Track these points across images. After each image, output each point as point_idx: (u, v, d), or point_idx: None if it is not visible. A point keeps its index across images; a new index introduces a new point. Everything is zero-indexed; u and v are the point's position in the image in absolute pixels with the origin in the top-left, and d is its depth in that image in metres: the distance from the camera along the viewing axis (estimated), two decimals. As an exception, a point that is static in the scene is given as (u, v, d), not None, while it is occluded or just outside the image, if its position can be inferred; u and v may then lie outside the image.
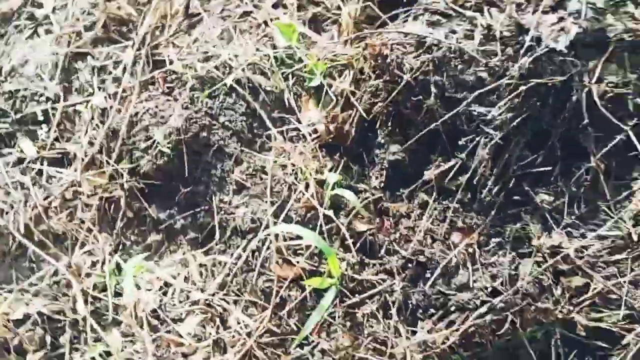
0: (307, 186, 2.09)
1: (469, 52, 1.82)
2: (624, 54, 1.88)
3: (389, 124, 2.01)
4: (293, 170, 2.13)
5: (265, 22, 2.39)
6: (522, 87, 1.77)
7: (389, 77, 1.94)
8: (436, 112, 1.87)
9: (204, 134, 2.20)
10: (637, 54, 1.89)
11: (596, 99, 1.81)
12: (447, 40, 1.85)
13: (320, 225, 2.01)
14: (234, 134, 2.22)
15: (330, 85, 2.20)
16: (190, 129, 2.19)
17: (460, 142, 1.86)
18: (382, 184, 2.03)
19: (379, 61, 1.94)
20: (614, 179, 1.88)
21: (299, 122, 2.23)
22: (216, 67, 2.27)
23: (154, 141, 2.20)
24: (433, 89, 1.85)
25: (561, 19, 1.81)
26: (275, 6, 2.41)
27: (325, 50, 2.25)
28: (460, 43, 1.85)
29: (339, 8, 2.36)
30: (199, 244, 2.19)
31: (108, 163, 2.24)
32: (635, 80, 1.86)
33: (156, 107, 2.25)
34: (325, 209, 2.04)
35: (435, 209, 1.92)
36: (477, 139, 1.84)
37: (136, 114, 2.26)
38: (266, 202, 2.11)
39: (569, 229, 1.83)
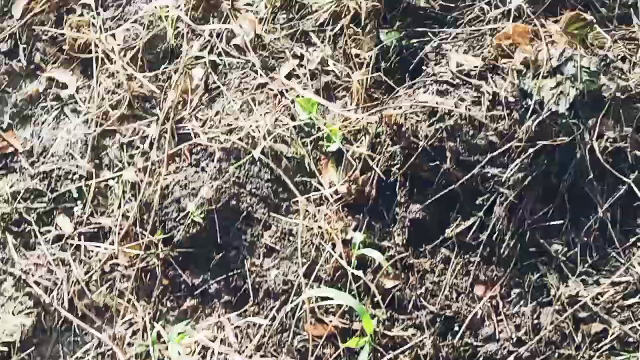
0: (334, 246, 2.23)
1: (478, 118, 1.98)
2: (619, 110, 2.04)
3: (407, 184, 2.15)
4: (319, 231, 2.26)
5: (281, 92, 2.55)
6: (530, 150, 1.92)
7: (405, 143, 2.09)
8: (452, 175, 2.01)
9: (233, 202, 2.34)
10: (630, 109, 2.06)
11: (598, 154, 1.97)
12: (457, 108, 2.01)
13: (349, 284, 2.14)
14: (261, 200, 2.36)
15: (347, 150, 2.35)
16: (220, 198, 2.33)
17: (477, 202, 2.00)
18: (405, 241, 2.16)
19: (395, 129, 2.09)
20: (621, 227, 2.03)
21: (321, 184, 2.37)
22: (240, 139, 2.42)
23: (186, 211, 2.33)
24: (448, 154, 2.01)
25: (559, 83, 1.98)
26: (288, 77, 2.57)
27: (340, 117, 2.40)
28: (469, 110, 2.01)
29: (348, 76, 2.52)
30: (233, 306, 2.31)
31: (143, 235, 2.36)
32: (631, 133, 2.02)
33: (185, 178, 2.40)
34: (353, 268, 2.17)
35: (457, 263, 2.07)
36: (493, 198, 1.98)
37: (167, 186, 2.40)
38: (296, 263, 2.25)
39: (583, 276, 1.97)
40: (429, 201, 2.07)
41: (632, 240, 1.99)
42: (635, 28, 2.29)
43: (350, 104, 2.48)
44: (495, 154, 1.94)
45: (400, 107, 2.10)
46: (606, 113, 2.02)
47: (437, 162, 2.04)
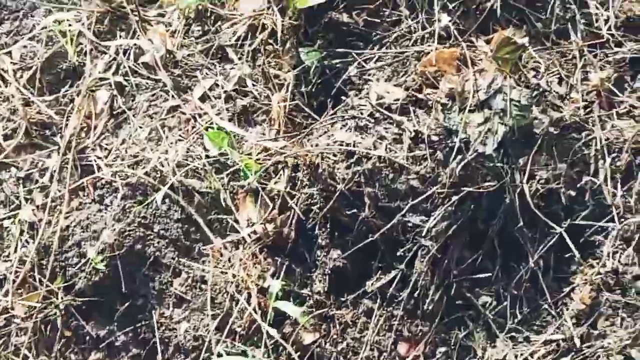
0: (249, 297, 2.03)
1: (398, 161, 1.77)
2: (552, 146, 1.85)
3: (328, 227, 1.95)
4: (234, 278, 2.06)
5: (194, 117, 2.30)
6: (454, 197, 1.73)
7: (322, 185, 1.88)
8: (372, 223, 1.81)
9: (139, 246, 2.12)
10: (565, 142, 1.87)
11: (529, 199, 1.78)
12: (376, 149, 1.80)
13: (265, 339, 1.95)
14: (170, 242, 2.14)
15: (264, 187, 2.13)
16: (124, 242, 2.11)
17: (398, 253, 1.81)
18: (326, 289, 1.97)
19: (312, 169, 1.88)
20: (554, 273, 1.86)
21: (237, 222, 2.15)
22: (147, 173, 2.18)
23: (88, 257, 2.10)
24: (366, 200, 1.80)
25: (487, 119, 1.78)
26: (202, 99, 2.33)
27: (257, 147, 2.17)
28: (389, 151, 1.80)
29: (268, 98, 2.28)
30: None
31: (41, 282, 2.13)
32: (566, 170, 1.83)
33: (87, 218, 2.16)
34: (270, 320, 1.98)
35: (380, 316, 1.88)
36: (415, 249, 1.78)
37: (67, 227, 2.16)
38: (208, 315, 2.04)
39: (513, 333, 1.80)
40: (349, 251, 1.84)
41: (565, 290, 1.81)
42: (572, 45, 2.08)
43: (270, 131, 2.24)
44: (416, 201, 1.73)
45: (317, 145, 1.87)
46: (538, 150, 1.82)
47: (356, 209, 1.81)
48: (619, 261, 1.81)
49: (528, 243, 1.81)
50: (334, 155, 1.85)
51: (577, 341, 1.69)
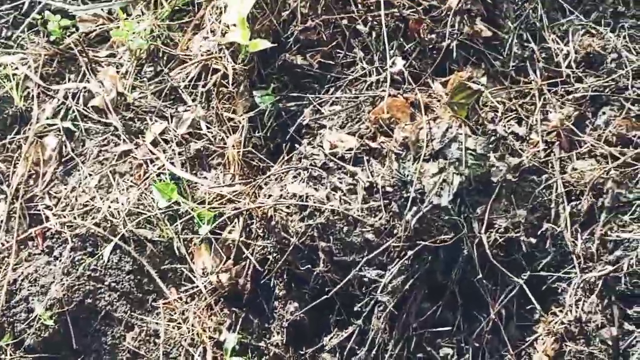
0: (204, 351, 1.95)
1: (352, 214, 1.70)
2: (511, 193, 1.80)
3: (285, 277, 1.88)
4: (189, 332, 1.98)
5: (147, 162, 2.22)
6: (410, 252, 1.67)
7: (276, 238, 1.81)
8: (327, 277, 1.74)
9: (89, 300, 2.04)
10: (523, 188, 1.83)
11: (487, 250, 1.72)
12: (330, 203, 1.73)
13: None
14: (122, 295, 2.06)
15: (218, 237, 2.06)
16: (74, 297, 2.02)
17: (355, 308, 1.75)
18: (284, 342, 1.90)
19: (265, 221, 1.81)
20: (516, 324, 1.80)
21: (192, 271, 2.08)
22: (97, 224, 2.10)
23: (36, 313, 2.01)
24: (321, 255, 1.73)
25: (442, 169, 1.72)
26: (155, 143, 2.25)
27: (211, 194, 2.10)
28: (343, 203, 1.73)
29: (223, 140, 2.21)
30: None
31: (-12, 340, 2.04)
32: (525, 217, 1.78)
33: (36, 271, 2.08)
34: None
35: None
36: (372, 303, 1.72)
37: (15, 281, 2.06)
38: None
39: None
40: (306, 307, 1.78)
41: (529, 339, 1.75)
42: (532, 85, 2.03)
43: (225, 175, 2.17)
44: (371, 255, 1.67)
45: (270, 196, 1.80)
46: (497, 197, 1.77)
47: (310, 264, 1.74)
48: (582, 309, 1.76)
49: (488, 293, 1.76)
50: (287, 207, 1.78)
51: None
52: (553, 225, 1.82)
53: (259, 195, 1.88)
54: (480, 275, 1.70)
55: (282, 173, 1.87)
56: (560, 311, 1.80)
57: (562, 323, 1.77)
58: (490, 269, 1.78)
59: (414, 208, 1.68)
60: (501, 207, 1.78)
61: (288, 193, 1.78)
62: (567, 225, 1.80)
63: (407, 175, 1.70)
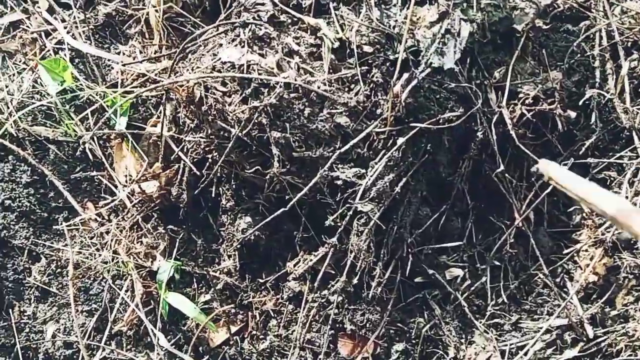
0: (132, 287, 1.44)
1: (315, 89, 1.13)
2: (539, 49, 1.22)
3: (233, 184, 1.34)
4: (113, 260, 1.46)
5: (44, 34, 1.62)
6: (400, 139, 1.11)
7: (210, 128, 1.24)
8: (284, 182, 1.20)
9: (-23, 224, 1.50)
10: (555, 42, 1.25)
11: (511, 130, 1.17)
12: (282, 74, 1.15)
13: (158, 343, 1.38)
14: (21, 216, 1.53)
15: (143, 129, 1.50)
16: None
17: (327, 222, 1.22)
18: (237, 268, 1.38)
19: (193, 107, 1.23)
20: (549, 231, 1.28)
21: (112, 179, 1.53)
22: None
23: None
24: (274, 150, 1.17)
25: (444, 15, 1.13)
26: (51, 10, 1.63)
27: (127, 74, 1.51)
28: (303, 74, 1.15)
29: (141, 1, 1.59)
30: None
31: None
32: (560, 81, 1.22)
33: None
34: (164, 316, 1.40)
35: (313, 302, 1.31)
36: (349, 214, 1.18)
37: None
38: (82, 312, 1.46)
39: (497, 320, 1.24)
40: (261, 222, 1.25)
41: (567, 251, 1.24)
42: None
43: (146, 48, 1.57)
44: (345, 148, 1.11)
45: (198, 69, 1.22)
46: (522, 55, 1.19)
47: (260, 164, 1.19)
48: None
49: (511, 191, 1.20)
50: (223, 84, 1.19)
51: (588, 327, 1.14)
52: (599, 91, 1.24)
53: (180, 72, 1.29)
54: (502, 167, 1.15)
55: (215, 35, 1.26)
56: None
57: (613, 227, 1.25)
58: (513, 158, 1.23)
59: (406, 75, 1.10)
60: (527, 68, 1.20)
61: (222, 62, 1.18)
62: (617, 91, 1.23)
63: (394, 27, 1.10)
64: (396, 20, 1.16)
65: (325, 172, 1.19)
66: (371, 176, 1.16)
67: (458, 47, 1.14)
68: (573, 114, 1.25)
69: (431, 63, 1.13)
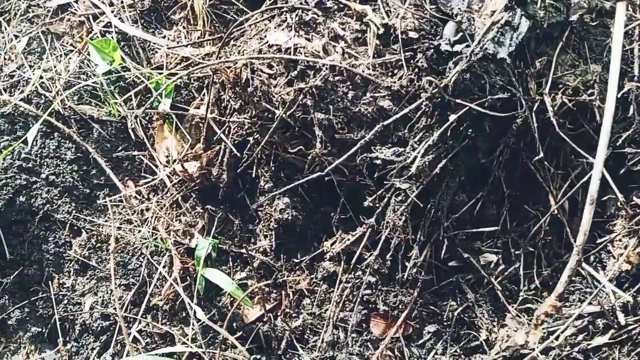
0: (170, 262, 1.48)
1: (360, 73, 1.17)
2: (580, 42, 1.25)
3: (271, 165, 1.38)
4: (151, 236, 1.50)
5: (91, 17, 1.67)
6: (453, 116, 1.15)
7: (255, 110, 1.28)
8: (327, 162, 1.24)
9: (22, 198, 1.56)
10: (595, 36, 1.27)
11: (552, 118, 1.19)
12: (328, 57, 1.19)
13: (194, 318, 1.42)
14: (64, 191, 1.58)
15: (186, 110, 1.54)
16: (1, 194, 1.53)
17: (366, 203, 1.25)
18: (273, 247, 1.42)
19: (239, 88, 1.28)
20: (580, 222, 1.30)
21: (153, 159, 1.58)
22: (26, 100, 1.58)
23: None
24: (317, 131, 1.21)
25: (508, 8, 1.16)
26: None
27: (172, 57, 1.56)
28: (347, 58, 1.19)
29: None
30: (45, 341, 1.58)
31: None
32: (599, 73, 1.25)
33: (-50, 163, 1.58)
34: (200, 292, 1.44)
35: (346, 283, 1.34)
36: (389, 194, 1.22)
37: None
38: (120, 286, 1.50)
39: (529, 305, 1.27)
40: (299, 202, 1.29)
41: (601, 240, 1.26)
42: None
43: (190, 33, 1.61)
44: (387, 122, 1.15)
45: (245, 52, 1.26)
46: (564, 47, 1.22)
47: (303, 145, 1.23)
48: None
49: (548, 180, 1.23)
50: (269, 66, 1.23)
51: (620, 315, 1.17)
52: (638, 84, 1.27)
53: (228, 54, 1.33)
54: (541, 154, 1.18)
55: (262, 20, 1.30)
56: (645, 202, 1.30)
57: (649, 218, 1.27)
58: (550, 147, 1.26)
59: (453, 60, 1.13)
60: (567, 60, 1.23)
61: (270, 45, 1.23)
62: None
63: (454, 10, 1.13)
64: (457, 3, 1.19)
65: (364, 153, 1.22)
66: (411, 154, 1.19)
67: (515, 40, 1.18)
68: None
69: (486, 49, 1.16)
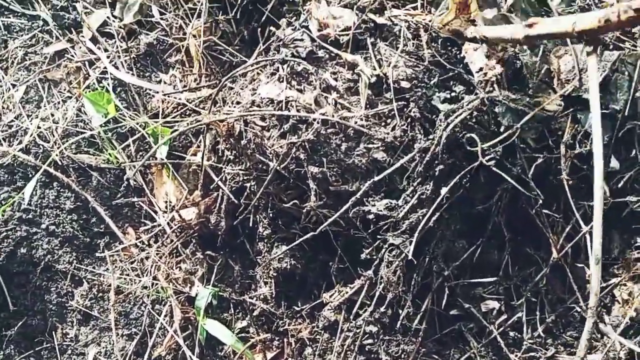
0: (171, 312, 1.47)
1: (352, 125, 1.15)
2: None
3: (270, 212, 1.36)
4: (153, 286, 1.50)
5: (87, 63, 1.67)
6: (438, 168, 1.13)
7: (249, 162, 1.27)
8: (321, 215, 1.22)
9: (23, 249, 1.56)
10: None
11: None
12: (320, 110, 1.18)
13: (196, 369, 1.41)
14: (65, 241, 1.58)
15: (183, 157, 1.53)
16: (2, 247, 1.53)
17: (362, 256, 1.23)
18: (273, 295, 1.41)
19: (233, 140, 1.27)
20: (586, 264, 1.28)
21: (152, 205, 1.57)
22: (24, 150, 1.58)
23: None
24: (311, 184, 1.20)
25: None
26: (94, 40, 1.68)
27: (167, 103, 1.55)
28: (340, 109, 1.18)
29: (182, 30, 1.63)
30: None
31: None
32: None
33: (-47, 214, 1.58)
34: (201, 342, 1.43)
35: (348, 331, 1.33)
36: (386, 247, 1.20)
37: None
38: (122, 336, 1.50)
39: (533, 353, 1.24)
40: (296, 252, 1.27)
41: (605, 285, 1.23)
42: None
43: (186, 77, 1.61)
44: (377, 178, 1.13)
45: (238, 104, 1.25)
46: None
47: (297, 197, 1.22)
48: None
49: (548, 225, 1.21)
50: (262, 119, 1.22)
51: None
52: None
53: (225, 103, 1.32)
54: (540, 199, 1.15)
55: (254, 70, 1.29)
56: (651, 244, 1.27)
57: (654, 261, 1.24)
58: (552, 190, 1.23)
59: (451, 107, 1.11)
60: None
61: (262, 98, 1.21)
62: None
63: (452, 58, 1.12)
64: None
65: (357, 206, 1.20)
66: (402, 208, 1.17)
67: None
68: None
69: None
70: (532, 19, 0.99)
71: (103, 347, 1.55)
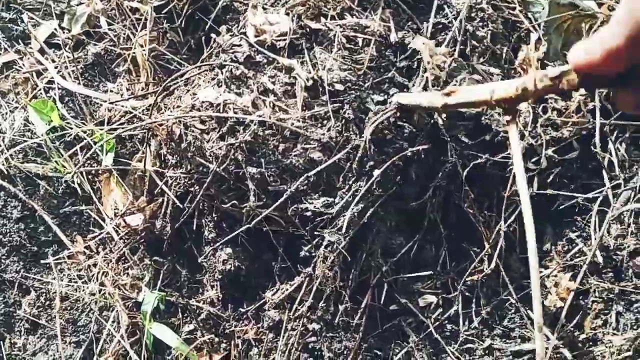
0: (118, 318, 1.48)
1: (288, 126, 1.18)
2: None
3: (214, 216, 1.39)
4: (101, 293, 1.50)
5: (35, 74, 1.69)
6: (376, 171, 1.17)
7: (190, 165, 1.30)
8: (260, 214, 1.25)
9: (-31, 259, 1.55)
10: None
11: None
12: (257, 112, 1.21)
13: (144, 373, 1.42)
14: (12, 250, 1.58)
15: (129, 164, 1.55)
16: None
17: (302, 253, 1.26)
18: (220, 298, 1.42)
19: (174, 144, 1.29)
20: (520, 256, 1.33)
21: (100, 213, 1.58)
22: None
23: None
24: (250, 185, 1.23)
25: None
26: (42, 51, 1.70)
27: (114, 111, 1.57)
28: (277, 111, 1.21)
29: (129, 40, 1.65)
30: None
31: None
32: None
33: None
34: (149, 346, 1.44)
35: (292, 330, 1.35)
36: (323, 244, 1.23)
37: None
38: (70, 344, 1.50)
39: (469, 345, 1.28)
40: (239, 252, 1.30)
41: (542, 272, 1.28)
42: None
43: (133, 85, 1.63)
44: (310, 173, 1.17)
45: (178, 107, 1.28)
46: None
47: (237, 198, 1.25)
48: (607, 232, 1.27)
49: (480, 219, 1.25)
50: (202, 122, 1.25)
51: (566, 351, 1.18)
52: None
53: (167, 108, 1.35)
54: (472, 194, 1.20)
55: (196, 75, 1.32)
56: (579, 237, 1.32)
57: (582, 253, 1.29)
58: (484, 184, 1.28)
59: (375, 108, 1.15)
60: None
61: (201, 102, 1.24)
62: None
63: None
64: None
65: (295, 204, 1.24)
66: (337, 205, 1.21)
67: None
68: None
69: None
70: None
71: (51, 355, 1.55)
